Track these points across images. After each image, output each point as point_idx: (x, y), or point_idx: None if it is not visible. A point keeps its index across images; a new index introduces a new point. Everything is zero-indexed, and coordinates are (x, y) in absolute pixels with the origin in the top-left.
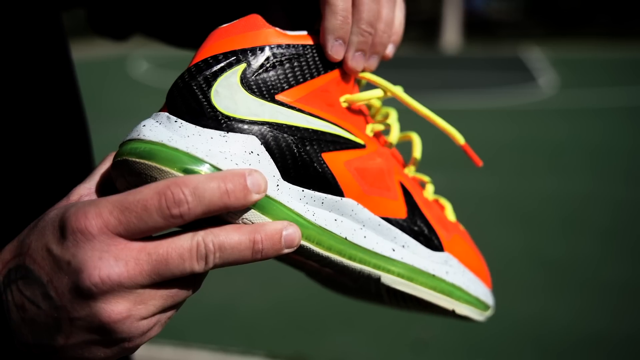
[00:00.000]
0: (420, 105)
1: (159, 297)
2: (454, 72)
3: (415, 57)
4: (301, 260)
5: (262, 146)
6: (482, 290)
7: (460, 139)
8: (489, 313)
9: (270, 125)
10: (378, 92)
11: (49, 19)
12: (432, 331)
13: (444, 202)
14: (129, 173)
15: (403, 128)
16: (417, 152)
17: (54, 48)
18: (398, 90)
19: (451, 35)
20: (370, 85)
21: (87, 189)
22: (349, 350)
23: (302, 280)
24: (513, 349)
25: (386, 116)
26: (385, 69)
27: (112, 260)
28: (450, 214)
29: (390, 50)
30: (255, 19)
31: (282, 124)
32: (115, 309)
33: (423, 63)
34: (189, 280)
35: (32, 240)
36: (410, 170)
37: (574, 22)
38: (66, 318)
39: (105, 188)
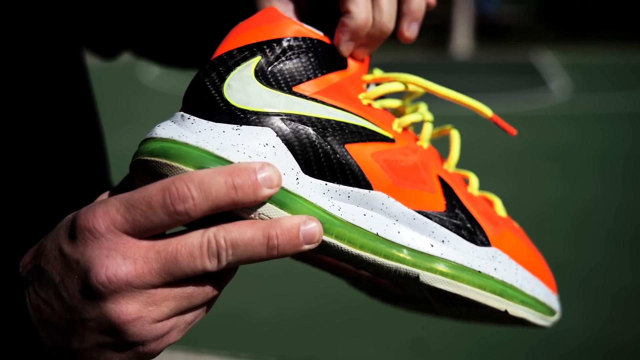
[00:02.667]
0: (442, 88)
1: (172, 298)
2: (465, 77)
3: (426, 61)
4: (337, 264)
5: (279, 138)
6: (541, 291)
7: (487, 112)
8: (554, 318)
9: (287, 116)
10: (395, 85)
11: (63, 26)
12: (441, 335)
13: (493, 197)
14: (143, 172)
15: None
16: (455, 146)
17: (69, 55)
18: (413, 77)
19: (462, 39)
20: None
21: (109, 195)
22: (359, 355)
23: (312, 286)
24: (516, 351)
25: (415, 109)
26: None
27: (119, 258)
28: (500, 209)
29: (414, 30)
30: (272, 11)
31: (300, 115)
32: (125, 309)
33: (434, 68)
34: (205, 280)
35: (48, 242)
36: (449, 166)
37: (586, 26)
38: (78, 319)
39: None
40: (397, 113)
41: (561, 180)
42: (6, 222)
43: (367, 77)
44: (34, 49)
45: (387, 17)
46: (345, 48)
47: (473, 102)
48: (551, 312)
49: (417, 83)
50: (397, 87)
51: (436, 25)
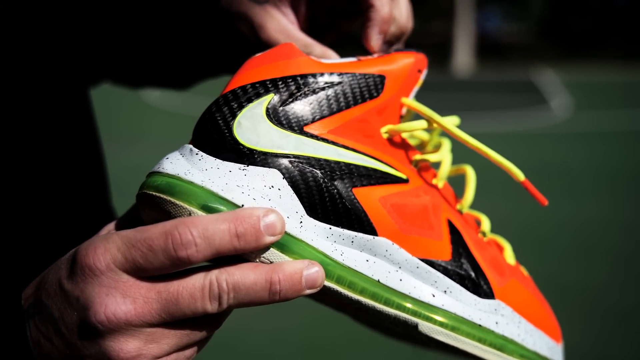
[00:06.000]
0: (473, 139)
1: (172, 336)
2: (465, 95)
3: (426, 79)
4: (338, 303)
5: (285, 180)
6: (544, 344)
7: (519, 175)
8: None
9: (296, 158)
10: (423, 123)
11: (62, 47)
12: None
13: (503, 242)
14: (148, 206)
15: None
16: (471, 186)
17: (68, 74)
18: (446, 122)
19: (463, 58)
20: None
21: (115, 225)
22: None
23: (313, 306)
24: None
25: (438, 147)
26: None
27: (119, 297)
28: (509, 256)
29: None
30: (289, 47)
31: (308, 157)
32: (125, 347)
33: (435, 86)
34: (206, 319)
35: (49, 275)
36: (462, 207)
37: (586, 44)
38: (77, 355)
39: (135, 224)
40: (420, 143)
41: (562, 198)
42: (5, 242)
43: (406, 101)
44: (31, 68)
45: (406, 15)
46: (376, 43)
47: (505, 161)
48: None
49: (453, 132)
50: (423, 125)
51: (437, 44)
